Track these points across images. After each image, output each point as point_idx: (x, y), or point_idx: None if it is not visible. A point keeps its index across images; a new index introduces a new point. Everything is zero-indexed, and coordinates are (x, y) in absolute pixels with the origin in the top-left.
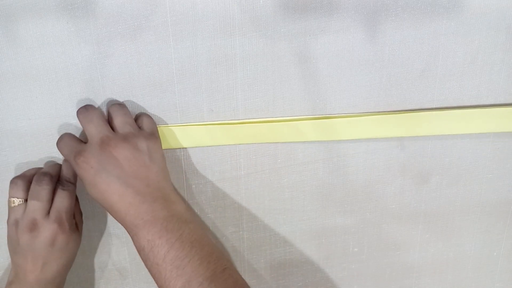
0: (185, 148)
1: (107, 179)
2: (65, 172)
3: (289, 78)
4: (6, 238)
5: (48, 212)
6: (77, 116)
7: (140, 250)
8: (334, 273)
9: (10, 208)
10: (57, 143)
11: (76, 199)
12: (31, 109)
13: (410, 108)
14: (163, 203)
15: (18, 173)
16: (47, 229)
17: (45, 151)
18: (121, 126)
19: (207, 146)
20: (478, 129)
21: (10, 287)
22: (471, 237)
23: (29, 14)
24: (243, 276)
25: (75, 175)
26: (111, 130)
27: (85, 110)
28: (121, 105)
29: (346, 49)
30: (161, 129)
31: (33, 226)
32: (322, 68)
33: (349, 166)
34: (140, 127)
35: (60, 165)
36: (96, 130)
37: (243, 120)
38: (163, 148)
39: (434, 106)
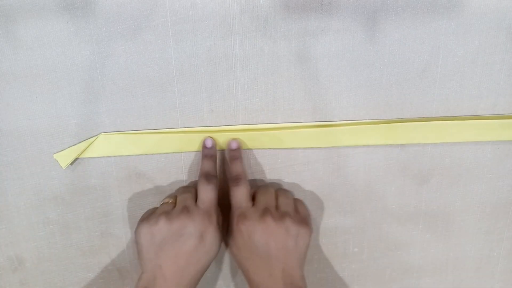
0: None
1: (252, 255)
2: (207, 167)
3: (289, 78)
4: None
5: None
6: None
7: None
8: (334, 273)
9: (160, 206)
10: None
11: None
12: (31, 109)
13: (410, 109)
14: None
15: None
16: (199, 216)
17: (45, 151)
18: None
19: None
20: (478, 138)
21: None
22: (471, 237)
23: (29, 14)
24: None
25: (214, 168)
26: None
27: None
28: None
29: (346, 49)
30: (160, 135)
31: (186, 210)
32: (322, 68)
33: (349, 166)
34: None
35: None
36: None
37: (243, 127)
38: (164, 152)
39: (434, 106)
